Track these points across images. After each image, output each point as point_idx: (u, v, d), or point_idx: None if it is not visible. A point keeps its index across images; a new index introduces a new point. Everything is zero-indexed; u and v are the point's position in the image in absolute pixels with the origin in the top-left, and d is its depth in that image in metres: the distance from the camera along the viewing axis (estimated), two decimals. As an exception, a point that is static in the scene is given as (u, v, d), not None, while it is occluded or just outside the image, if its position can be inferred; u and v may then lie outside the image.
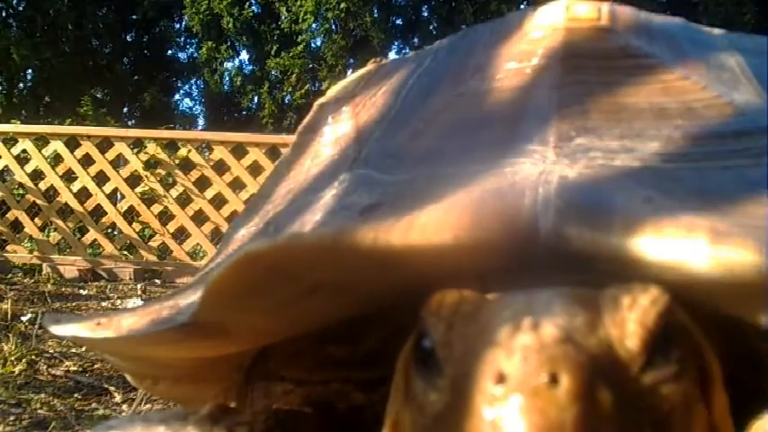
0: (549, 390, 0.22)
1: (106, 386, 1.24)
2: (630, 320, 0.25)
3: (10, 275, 3.03)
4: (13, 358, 1.34)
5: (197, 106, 11.01)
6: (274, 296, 0.31)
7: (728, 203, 0.28)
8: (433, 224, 0.27)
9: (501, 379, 0.23)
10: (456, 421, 0.24)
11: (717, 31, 0.45)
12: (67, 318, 0.42)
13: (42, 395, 1.16)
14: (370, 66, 0.50)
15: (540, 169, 0.30)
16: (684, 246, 0.25)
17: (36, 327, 1.67)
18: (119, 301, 2.38)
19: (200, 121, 10.57)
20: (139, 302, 2.13)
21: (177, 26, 10.12)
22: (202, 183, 3.35)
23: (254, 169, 3.26)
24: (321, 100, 0.50)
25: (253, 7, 9.20)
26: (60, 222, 3.35)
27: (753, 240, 0.25)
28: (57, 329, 0.41)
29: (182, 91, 10.90)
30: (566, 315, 0.25)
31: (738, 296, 0.27)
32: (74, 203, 3.35)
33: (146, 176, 3.38)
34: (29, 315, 1.85)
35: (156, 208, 3.37)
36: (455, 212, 0.27)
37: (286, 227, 0.36)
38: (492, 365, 0.23)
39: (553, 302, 0.25)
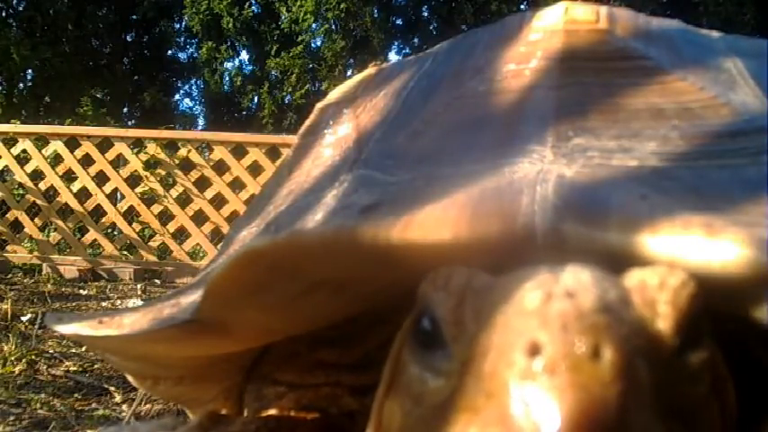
0: (590, 363, 0.20)
1: (106, 386, 1.24)
2: (661, 301, 0.23)
3: (10, 275, 3.03)
4: (13, 358, 1.34)
5: (197, 106, 11.03)
6: (275, 293, 0.31)
7: (725, 201, 0.28)
8: (431, 221, 0.27)
9: (535, 350, 0.20)
10: (471, 408, 0.22)
11: (715, 33, 0.45)
12: (69, 317, 0.42)
13: (42, 395, 1.16)
14: (370, 69, 0.50)
15: (539, 168, 0.30)
16: (681, 242, 0.25)
17: (36, 327, 1.67)
18: (119, 302, 2.38)
19: (200, 121, 10.60)
20: (139, 303, 2.13)
21: (177, 26, 10.14)
22: (202, 183, 3.35)
23: (254, 169, 3.26)
24: (322, 103, 0.50)
25: (253, 7, 9.21)
26: (60, 222, 3.35)
27: (750, 236, 0.25)
28: (59, 328, 0.41)
29: (182, 91, 10.92)
30: (598, 288, 0.22)
31: (737, 292, 0.27)
32: (74, 203, 3.35)
33: (146, 176, 3.38)
34: (29, 315, 1.85)
35: (156, 208, 3.37)
36: (454, 210, 0.27)
37: (287, 227, 0.36)
38: (523, 335, 0.21)
39: (581, 276, 0.23)
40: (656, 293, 0.23)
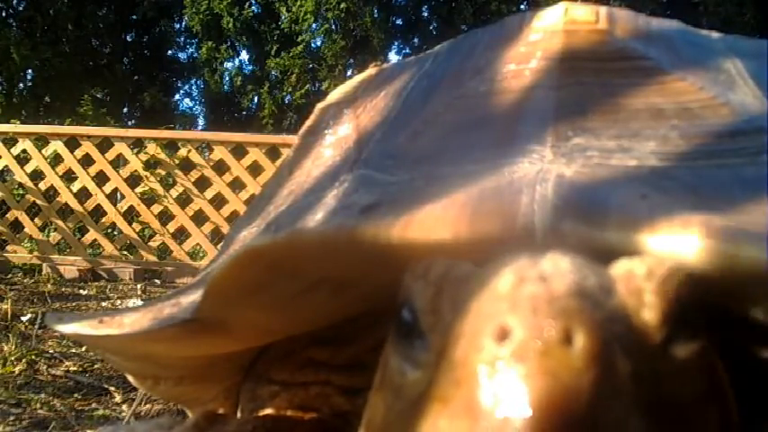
0: (561, 348, 0.18)
1: (106, 386, 1.24)
2: (648, 291, 0.22)
3: (10, 275, 3.03)
4: (13, 358, 1.34)
5: (197, 106, 11.03)
6: (275, 292, 0.31)
7: (724, 201, 0.28)
8: (431, 221, 0.27)
9: (503, 334, 0.19)
10: (442, 398, 0.20)
11: (715, 34, 0.46)
12: (70, 316, 0.43)
13: (42, 395, 1.16)
14: (370, 69, 0.50)
15: (538, 168, 0.30)
16: (679, 241, 0.25)
17: (36, 327, 1.67)
18: (119, 302, 2.38)
19: (200, 121, 10.60)
20: (139, 303, 2.13)
21: (177, 26, 10.14)
22: (202, 183, 3.35)
23: (254, 169, 3.26)
24: (322, 103, 0.50)
25: (253, 7, 9.21)
26: (60, 222, 3.35)
27: (750, 235, 0.25)
28: (60, 328, 0.41)
29: (182, 91, 10.92)
30: (577, 273, 0.21)
31: (737, 292, 0.27)
32: (74, 203, 3.35)
33: (146, 176, 3.38)
34: (29, 315, 1.85)
35: (156, 208, 3.37)
36: (453, 209, 0.27)
37: (287, 226, 0.36)
38: (492, 319, 0.20)
39: (559, 262, 0.22)
40: (643, 283, 0.22)
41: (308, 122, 0.50)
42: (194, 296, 0.35)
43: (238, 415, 0.45)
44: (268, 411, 0.40)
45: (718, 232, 0.25)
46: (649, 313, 0.22)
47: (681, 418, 0.22)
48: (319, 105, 0.50)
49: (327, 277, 0.31)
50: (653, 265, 0.23)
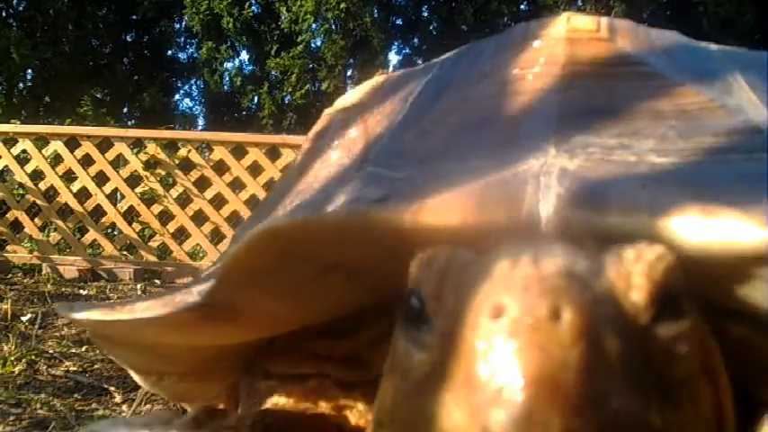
0: (550, 324, 0.20)
1: (106, 386, 1.24)
2: (636, 273, 0.23)
3: (10, 275, 3.02)
4: (13, 358, 1.34)
5: (197, 106, 11.02)
6: (288, 276, 0.32)
7: (722, 191, 0.29)
8: (440, 207, 0.28)
9: (498, 312, 0.21)
10: (445, 375, 0.22)
11: (713, 45, 0.47)
12: (81, 305, 0.43)
13: (42, 395, 1.16)
14: (378, 77, 0.51)
15: (542, 162, 0.31)
16: (679, 223, 0.26)
17: (36, 327, 1.67)
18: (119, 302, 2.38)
19: (200, 121, 10.59)
20: (140, 302, 2.12)
21: (177, 26, 10.13)
22: (202, 183, 3.35)
23: (254, 169, 3.26)
24: (330, 108, 0.51)
25: (253, 7, 9.21)
26: (60, 222, 3.34)
27: (747, 214, 0.25)
28: (72, 315, 0.42)
29: (182, 91, 10.91)
30: (568, 257, 0.23)
31: (735, 275, 0.27)
32: (74, 203, 3.35)
33: (146, 176, 3.38)
34: (29, 315, 1.85)
35: (156, 208, 3.37)
36: (462, 197, 0.29)
37: (300, 215, 0.36)
38: (488, 299, 0.22)
39: (553, 248, 0.24)
40: (632, 266, 0.24)
41: (317, 126, 0.51)
42: (207, 284, 0.36)
43: (239, 410, 0.45)
44: (267, 406, 0.40)
45: (715, 213, 0.26)
46: (637, 295, 0.23)
47: (670, 396, 0.23)
48: (327, 110, 0.51)
49: (340, 262, 0.32)
50: (642, 250, 0.24)
